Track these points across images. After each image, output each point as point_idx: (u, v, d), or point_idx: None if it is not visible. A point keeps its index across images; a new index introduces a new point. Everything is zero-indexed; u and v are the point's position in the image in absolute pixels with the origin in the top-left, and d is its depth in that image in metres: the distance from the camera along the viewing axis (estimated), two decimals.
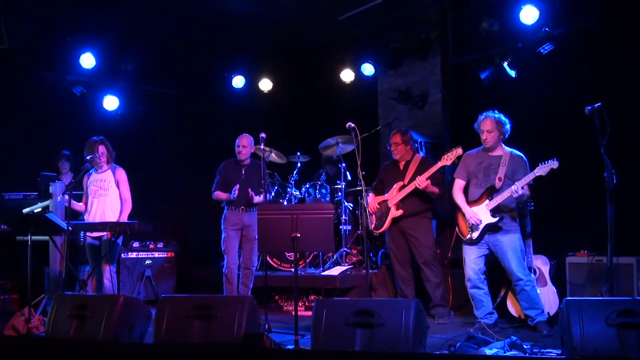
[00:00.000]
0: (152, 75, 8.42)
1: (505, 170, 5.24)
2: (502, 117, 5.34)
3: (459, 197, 5.49)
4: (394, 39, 8.04)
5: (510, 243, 5.23)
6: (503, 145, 5.40)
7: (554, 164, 4.95)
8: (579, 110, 4.74)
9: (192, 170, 8.20)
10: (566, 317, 3.68)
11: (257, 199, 6.26)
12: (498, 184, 5.24)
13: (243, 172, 6.42)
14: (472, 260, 5.37)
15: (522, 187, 5.06)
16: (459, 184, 5.54)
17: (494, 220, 5.22)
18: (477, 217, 5.29)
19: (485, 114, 5.38)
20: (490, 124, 5.32)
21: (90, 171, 6.03)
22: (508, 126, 5.35)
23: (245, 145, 6.39)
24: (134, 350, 3.90)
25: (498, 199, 5.19)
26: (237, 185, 6.24)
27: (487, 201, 5.25)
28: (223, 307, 4.09)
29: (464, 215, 5.40)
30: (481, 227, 5.27)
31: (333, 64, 8.37)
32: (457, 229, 5.49)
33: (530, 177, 5.06)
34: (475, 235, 5.29)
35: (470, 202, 5.39)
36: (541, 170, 5.00)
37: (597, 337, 3.56)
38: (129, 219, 6.00)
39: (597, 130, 4.58)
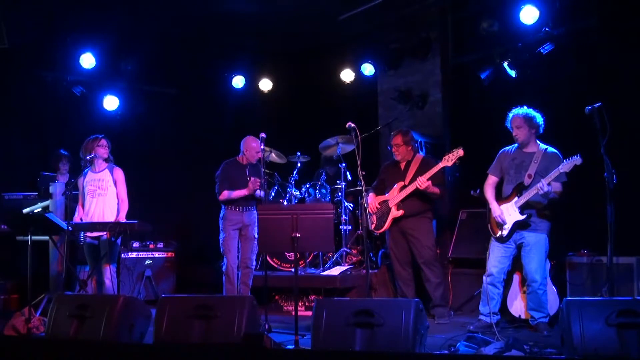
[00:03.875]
0: (152, 75, 8.43)
1: (537, 167, 5.19)
2: (531, 112, 5.28)
3: (488, 193, 5.45)
4: (394, 39, 8.03)
5: (536, 242, 5.21)
6: (538, 142, 5.34)
7: (577, 160, 4.91)
8: (579, 110, 4.74)
9: (192, 170, 8.21)
10: (566, 317, 3.69)
11: (258, 193, 6.24)
12: (527, 181, 5.19)
13: (247, 172, 6.41)
14: (497, 258, 5.34)
15: (549, 184, 5.00)
16: (491, 180, 5.50)
17: (522, 217, 5.18)
18: (502, 215, 5.26)
19: (513, 110, 5.35)
20: (518, 120, 5.28)
21: (85, 171, 6.01)
22: (540, 120, 5.29)
23: (260, 150, 6.10)
24: (134, 350, 3.90)
25: (526, 196, 5.15)
26: (253, 178, 6.12)
27: (516, 198, 5.22)
28: (223, 307, 4.09)
29: None
30: (510, 224, 5.23)
31: (333, 64, 8.36)
32: (488, 225, 5.45)
33: (554, 173, 5.00)
34: (505, 232, 5.26)
35: (502, 199, 5.36)
36: (565, 166, 4.95)
37: (597, 337, 3.56)
38: (127, 218, 5.99)
39: (597, 130, 4.58)
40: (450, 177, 6.68)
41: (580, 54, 6.33)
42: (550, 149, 5.30)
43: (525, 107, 5.32)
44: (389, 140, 6.22)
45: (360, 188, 6.14)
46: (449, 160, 5.65)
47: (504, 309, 5.58)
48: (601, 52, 6.18)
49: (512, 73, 6.69)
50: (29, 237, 5.38)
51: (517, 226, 5.24)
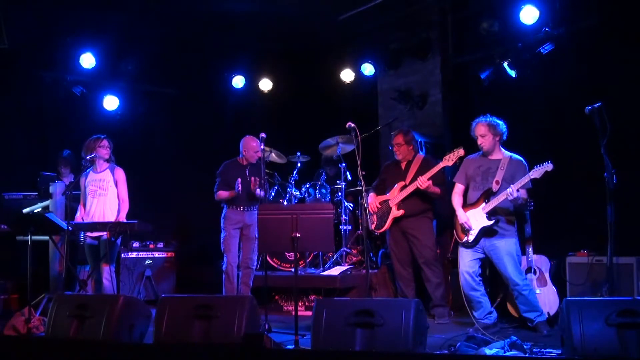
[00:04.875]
0: (152, 75, 8.43)
1: (504, 174, 5.21)
2: (494, 120, 5.31)
3: (455, 200, 5.47)
4: (394, 39, 8.03)
5: (506, 248, 5.20)
6: (502, 149, 5.37)
7: (548, 166, 4.94)
8: (579, 110, 4.74)
9: (192, 170, 8.20)
10: (566, 317, 3.68)
11: (259, 192, 6.23)
12: (495, 187, 5.21)
13: (247, 172, 6.41)
14: (466, 263, 5.33)
15: (518, 190, 5.04)
16: (458, 188, 5.51)
17: (490, 223, 5.18)
18: (468, 221, 5.27)
19: (476, 120, 5.37)
20: (482, 128, 5.30)
21: (87, 171, 6.01)
22: (503, 127, 5.31)
23: (259, 149, 6.13)
24: (134, 350, 3.90)
25: (494, 202, 5.17)
26: (239, 179, 6.15)
27: (484, 204, 5.23)
28: (223, 307, 4.09)
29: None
30: (477, 230, 5.24)
31: (333, 64, 8.36)
32: (454, 231, 5.48)
33: (525, 179, 5.03)
34: (471, 238, 5.27)
35: (468, 205, 5.36)
36: (536, 172, 4.98)
37: (597, 337, 3.56)
38: (127, 218, 6.00)
39: (597, 130, 4.58)
40: (450, 177, 6.67)
41: (580, 54, 6.33)
42: (515, 156, 5.32)
43: (488, 116, 5.34)
44: (389, 140, 6.22)
45: (360, 188, 6.14)
46: (449, 160, 5.65)
47: (504, 309, 5.58)
48: (601, 52, 6.18)
49: (512, 73, 6.69)
50: (29, 237, 5.38)
51: (484, 232, 5.23)
